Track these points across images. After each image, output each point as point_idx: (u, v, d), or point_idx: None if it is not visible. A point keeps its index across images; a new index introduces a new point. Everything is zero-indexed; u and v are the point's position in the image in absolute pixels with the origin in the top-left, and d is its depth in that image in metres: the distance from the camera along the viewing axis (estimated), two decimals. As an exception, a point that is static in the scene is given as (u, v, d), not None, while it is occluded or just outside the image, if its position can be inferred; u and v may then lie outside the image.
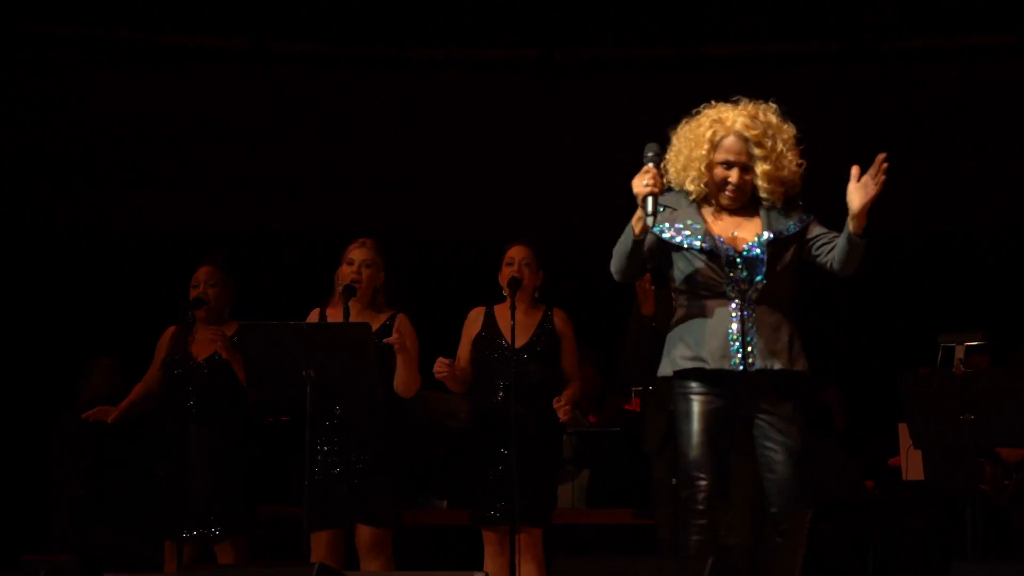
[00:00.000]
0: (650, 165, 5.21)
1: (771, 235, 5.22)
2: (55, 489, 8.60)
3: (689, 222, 5.31)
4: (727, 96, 5.40)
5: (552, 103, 10.20)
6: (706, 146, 5.30)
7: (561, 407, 6.77)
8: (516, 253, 6.89)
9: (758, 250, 5.19)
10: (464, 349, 6.94)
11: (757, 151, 5.27)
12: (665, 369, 5.35)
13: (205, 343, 6.96)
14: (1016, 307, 9.88)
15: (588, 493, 8.61)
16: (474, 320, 6.96)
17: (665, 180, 5.29)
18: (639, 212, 5.21)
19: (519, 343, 6.81)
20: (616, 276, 5.42)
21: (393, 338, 6.52)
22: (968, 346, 7.82)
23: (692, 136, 5.34)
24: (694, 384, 5.24)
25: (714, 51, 9.87)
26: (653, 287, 6.70)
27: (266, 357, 6.36)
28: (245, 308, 7.09)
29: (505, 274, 6.86)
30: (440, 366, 6.72)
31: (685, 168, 5.33)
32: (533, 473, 6.73)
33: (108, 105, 10.11)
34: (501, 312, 6.87)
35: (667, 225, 5.30)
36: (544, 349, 6.88)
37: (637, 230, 5.24)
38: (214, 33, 10.12)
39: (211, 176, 10.57)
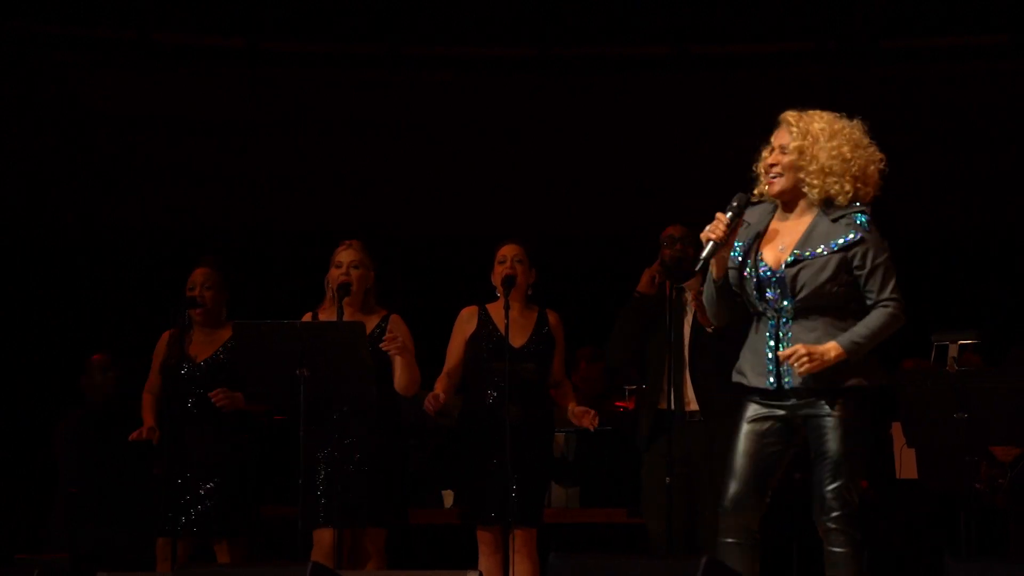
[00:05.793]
0: (721, 213, 5.19)
1: (793, 258, 5.11)
2: (52, 489, 8.60)
3: (743, 241, 5.24)
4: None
5: (551, 103, 10.20)
6: None
7: (587, 415, 6.77)
8: (508, 251, 6.88)
9: (782, 274, 5.11)
10: (456, 348, 6.93)
11: (794, 133, 5.16)
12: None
13: (203, 344, 6.97)
14: (1010, 306, 9.86)
15: (582, 492, 8.60)
16: (467, 319, 6.94)
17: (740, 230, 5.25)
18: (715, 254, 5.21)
19: (517, 343, 6.81)
20: (713, 322, 5.51)
21: (391, 344, 6.53)
22: (961, 345, 7.82)
23: None
24: (747, 395, 5.24)
25: (712, 51, 9.84)
26: (658, 273, 6.80)
27: (260, 356, 6.39)
28: (244, 308, 7.09)
29: (498, 273, 6.85)
30: (430, 404, 6.74)
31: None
32: (527, 472, 6.74)
33: (107, 105, 10.12)
34: (495, 311, 6.86)
35: (737, 247, 5.24)
36: (540, 350, 6.88)
37: (715, 273, 5.26)
38: (213, 33, 10.13)
39: (210, 175, 10.57)
